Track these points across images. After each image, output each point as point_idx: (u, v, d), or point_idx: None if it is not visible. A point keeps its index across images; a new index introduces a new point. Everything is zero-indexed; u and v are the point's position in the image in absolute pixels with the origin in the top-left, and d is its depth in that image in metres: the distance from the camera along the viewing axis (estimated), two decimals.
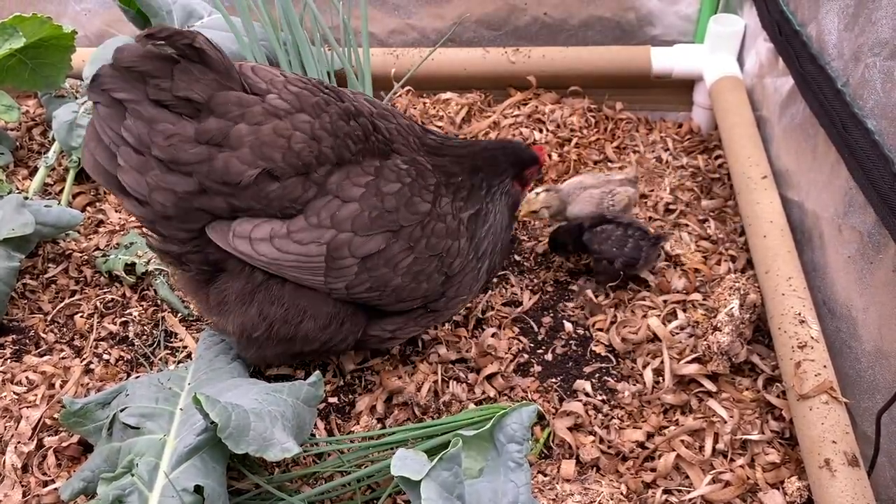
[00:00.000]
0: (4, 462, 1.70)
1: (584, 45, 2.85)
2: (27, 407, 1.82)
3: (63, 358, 1.95)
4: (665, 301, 2.06)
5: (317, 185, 1.56)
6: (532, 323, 2.05)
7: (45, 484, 1.68)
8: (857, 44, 1.76)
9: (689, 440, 1.75)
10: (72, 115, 2.38)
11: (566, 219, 2.19)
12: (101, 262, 2.15)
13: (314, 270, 1.60)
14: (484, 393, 1.87)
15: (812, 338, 1.78)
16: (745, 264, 2.16)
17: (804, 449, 1.64)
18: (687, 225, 2.32)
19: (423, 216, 1.66)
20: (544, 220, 2.25)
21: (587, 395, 1.86)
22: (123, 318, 2.05)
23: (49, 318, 2.06)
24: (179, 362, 1.94)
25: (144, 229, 1.62)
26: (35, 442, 1.74)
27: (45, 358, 1.95)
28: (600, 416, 1.81)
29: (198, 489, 1.41)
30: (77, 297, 2.12)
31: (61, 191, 2.42)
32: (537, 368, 1.93)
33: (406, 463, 1.35)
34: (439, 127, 2.65)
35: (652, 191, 2.45)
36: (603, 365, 1.94)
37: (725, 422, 1.76)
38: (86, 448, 1.74)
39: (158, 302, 2.09)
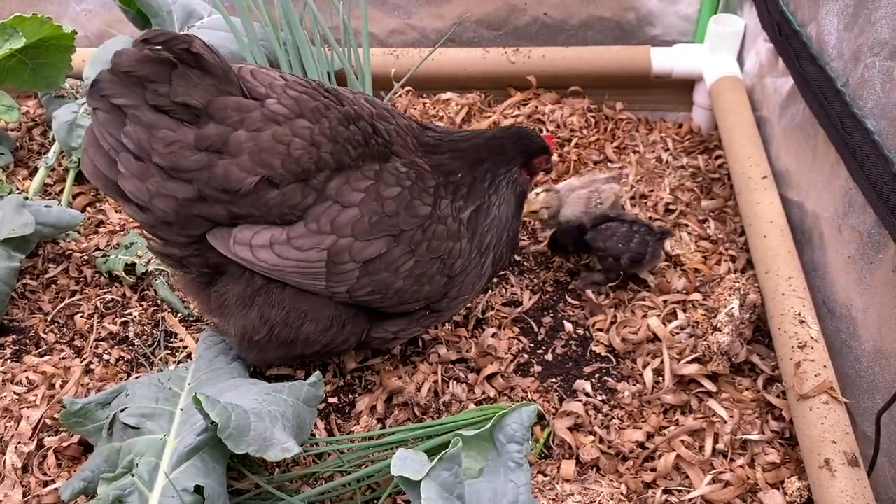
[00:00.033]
0: (4, 462, 1.70)
1: (584, 45, 2.85)
2: (27, 407, 1.82)
3: (63, 358, 1.95)
4: (665, 301, 2.06)
5: (316, 190, 1.56)
6: (532, 323, 2.05)
7: (46, 484, 1.68)
8: (856, 44, 1.76)
9: (689, 440, 1.75)
10: (72, 116, 2.39)
11: (559, 222, 2.19)
12: (102, 263, 2.15)
13: (315, 276, 1.59)
14: (484, 393, 1.87)
15: (812, 338, 1.78)
16: (745, 264, 2.16)
17: (804, 449, 1.64)
18: (687, 225, 2.32)
19: (424, 219, 1.65)
20: (542, 221, 2.23)
21: (587, 395, 1.86)
22: (123, 319, 2.05)
23: (49, 318, 2.06)
24: (179, 362, 1.94)
25: (145, 233, 1.62)
26: (35, 442, 1.74)
27: (46, 358, 1.95)
28: (600, 416, 1.82)
29: (198, 489, 1.41)
30: (77, 297, 2.12)
31: (61, 191, 2.42)
32: (537, 368, 1.93)
33: (406, 463, 1.35)
34: None
35: (652, 191, 2.45)
36: (603, 365, 1.94)
37: (725, 422, 1.77)
38: (86, 448, 1.74)
39: (158, 302, 2.09)
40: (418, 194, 1.65)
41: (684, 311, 2.03)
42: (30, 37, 2.25)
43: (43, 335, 2.02)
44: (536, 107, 2.71)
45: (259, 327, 1.65)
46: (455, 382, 1.88)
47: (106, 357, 1.95)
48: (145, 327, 2.03)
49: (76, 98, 2.55)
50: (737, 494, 1.65)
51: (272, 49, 2.53)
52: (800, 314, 1.83)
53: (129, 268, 2.12)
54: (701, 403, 1.83)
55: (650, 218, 2.34)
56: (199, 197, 1.49)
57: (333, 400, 1.86)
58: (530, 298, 2.11)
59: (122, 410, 1.57)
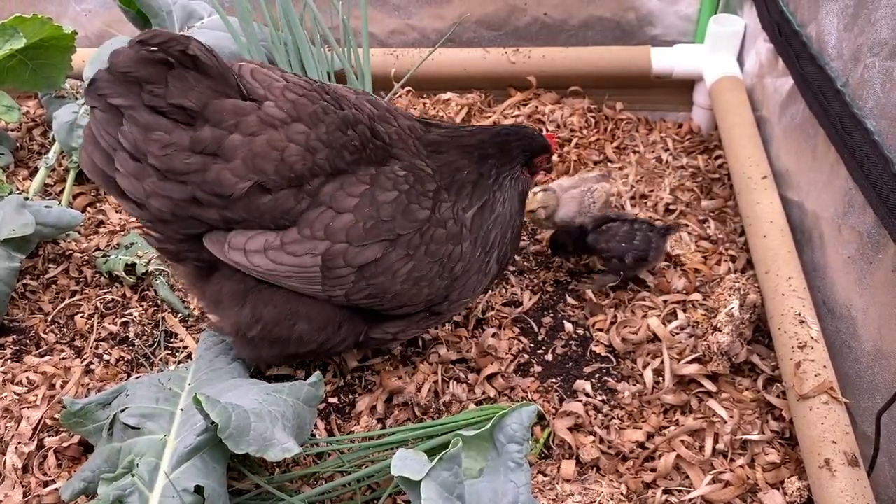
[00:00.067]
0: (5, 462, 1.70)
1: (584, 45, 2.85)
2: (28, 407, 1.82)
3: (63, 358, 1.95)
4: (665, 301, 2.06)
5: (310, 196, 1.55)
6: (532, 323, 2.05)
7: (46, 484, 1.68)
8: (856, 44, 1.76)
9: (689, 440, 1.75)
10: (72, 116, 2.39)
11: (555, 222, 2.19)
12: (102, 263, 2.15)
13: (311, 280, 1.59)
14: (484, 393, 1.87)
15: (812, 338, 1.78)
16: (745, 264, 2.16)
17: (804, 449, 1.64)
18: (687, 225, 2.32)
19: (422, 223, 1.63)
20: (537, 221, 2.22)
21: (587, 395, 1.86)
22: (124, 319, 2.05)
23: (49, 318, 2.07)
24: (180, 362, 1.94)
25: (143, 227, 1.62)
26: (35, 442, 1.74)
27: (46, 358, 1.95)
28: (600, 416, 1.82)
29: (198, 489, 1.41)
30: (77, 297, 2.12)
31: (62, 191, 2.42)
32: (537, 369, 1.93)
33: (406, 463, 1.35)
34: None
35: (652, 191, 2.45)
36: (603, 365, 1.94)
37: (725, 422, 1.77)
38: (86, 448, 1.74)
39: (159, 302, 2.09)
40: (416, 198, 1.63)
41: (684, 311, 2.03)
42: (30, 37, 2.25)
43: (43, 335, 2.02)
44: (536, 107, 2.71)
45: (252, 324, 1.64)
46: (455, 382, 1.88)
47: (106, 357, 1.95)
48: (145, 327, 2.03)
49: (76, 98, 2.55)
50: (737, 494, 1.65)
51: (272, 49, 2.53)
52: (800, 314, 1.83)
53: (130, 268, 2.12)
54: (701, 403, 1.83)
55: (650, 218, 2.34)
56: (193, 199, 1.50)
57: (333, 400, 1.86)
58: (530, 298, 2.11)
59: (122, 411, 1.57)
